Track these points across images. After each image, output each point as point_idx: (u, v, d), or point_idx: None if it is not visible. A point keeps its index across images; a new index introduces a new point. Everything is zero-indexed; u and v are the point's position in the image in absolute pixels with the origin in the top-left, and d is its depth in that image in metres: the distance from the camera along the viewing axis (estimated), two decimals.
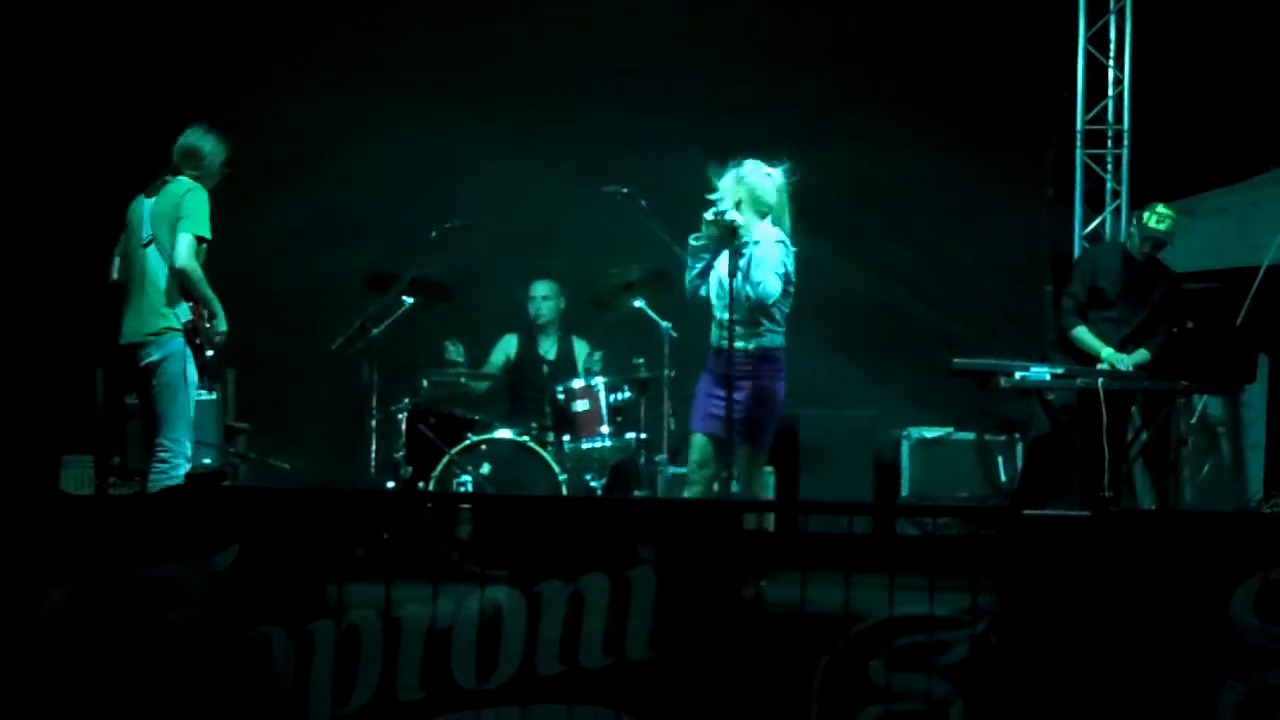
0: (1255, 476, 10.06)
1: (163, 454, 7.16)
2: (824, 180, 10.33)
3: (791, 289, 7.39)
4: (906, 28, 10.55)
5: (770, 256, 7.30)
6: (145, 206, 7.38)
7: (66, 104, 9.83)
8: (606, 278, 8.96)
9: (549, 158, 10.16)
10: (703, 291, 7.50)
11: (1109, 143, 10.64)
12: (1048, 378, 8.56)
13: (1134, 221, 9.14)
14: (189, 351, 7.24)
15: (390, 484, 8.77)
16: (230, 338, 7.53)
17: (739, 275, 7.26)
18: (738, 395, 7.26)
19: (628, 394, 8.76)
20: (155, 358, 7.24)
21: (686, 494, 7.52)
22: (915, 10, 10.57)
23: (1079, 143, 10.63)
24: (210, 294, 7.33)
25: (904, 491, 10.11)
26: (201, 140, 7.43)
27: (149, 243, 7.32)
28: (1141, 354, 8.81)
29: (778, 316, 7.38)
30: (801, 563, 5.37)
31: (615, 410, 8.72)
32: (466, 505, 8.34)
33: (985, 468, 10.11)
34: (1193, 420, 10.04)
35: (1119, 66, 10.58)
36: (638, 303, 8.76)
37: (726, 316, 7.27)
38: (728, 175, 7.45)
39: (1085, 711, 5.16)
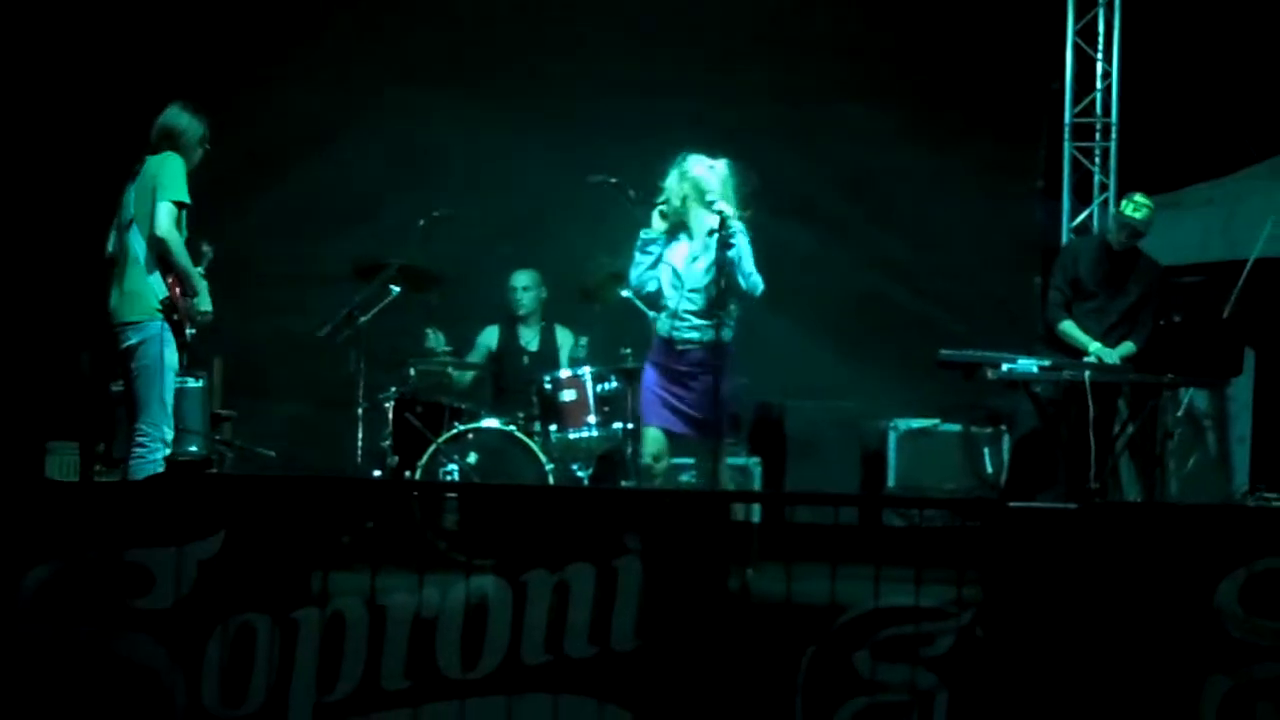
0: (1241, 469, 10.07)
1: (141, 439, 7.14)
2: (812, 171, 10.37)
3: None
4: (896, 19, 10.55)
5: (747, 248, 7.34)
6: (129, 191, 7.36)
7: (54, 90, 9.81)
8: (594, 268, 8.95)
9: (537, 147, 10.15)
10: (651, 286, 7.52)
11: (1097, 135, 10.65)
12: (1034, 370, 8.56)
13: (1113, 211, 9.15)
14: (168, 335, 7.21)
15: (376, 473, 8.76)
16: (216, 325, 7.50)
17: (709, 267, 7.28)
18: (697, 387, 7.31)
19: (615, 384, 8.75)
20: (133, 341, 7.21)
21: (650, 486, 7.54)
22: (905, 1, 10.56)
23: (1067, 135, 10.63)
24: (190, 267, 7.29)
25: (890, 483, 10.11)
26: (177, 117, 7.39)
27: (129, 223, 7.29)
28: (1127, 346, 8.82)
29: (734, 312, 7.40)
30: (787, 554, 5.36)
31: (602, 400, 8.71)
32: (453, 494, 8.33)
33: (971, 459, 10.11)
34: (1179, 413, 10.05)
35: (1107, 59, 10.58)
36: (625, 293, 8.75)
37: (681, 307, 7.30)
38: (670, 171, 7.48)
39: (1070, 703, 5.17)
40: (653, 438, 7.50)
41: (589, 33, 10.31)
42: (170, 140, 7.34)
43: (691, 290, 7.42)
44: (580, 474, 8.80)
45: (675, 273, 7.42)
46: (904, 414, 10.22)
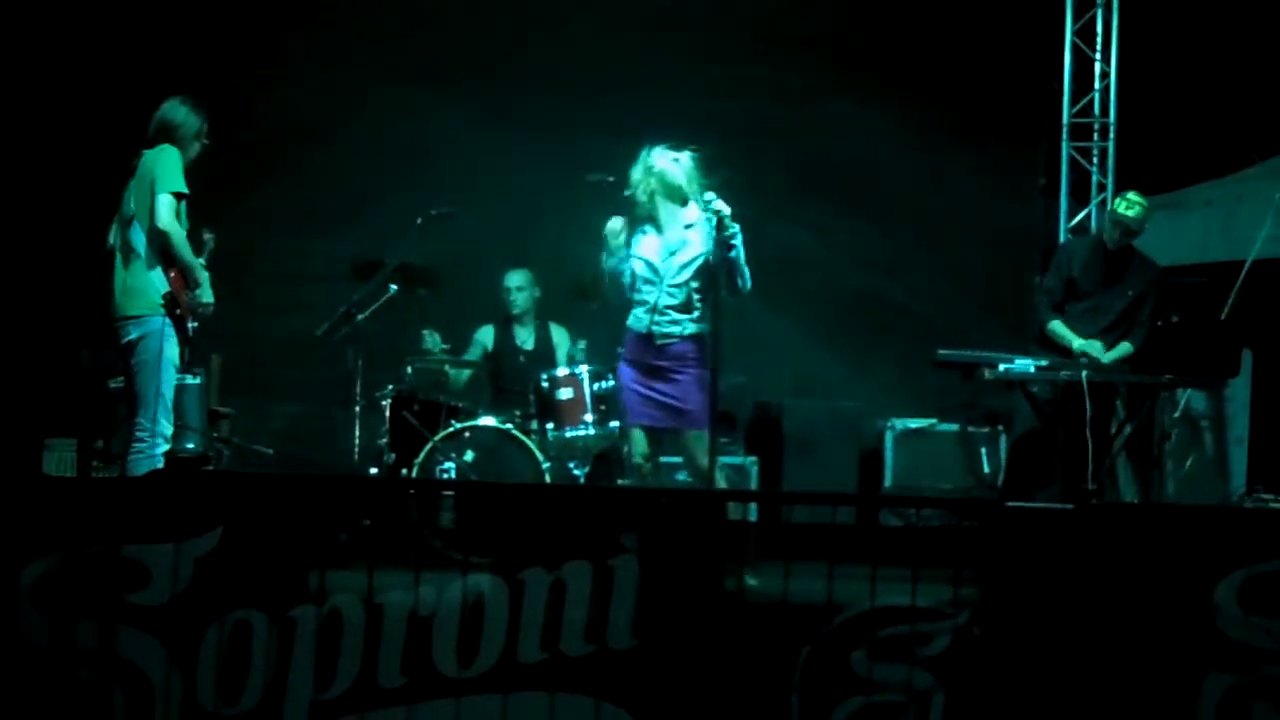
0: (1238, 470, 10.07)
1: (139, 434, 7.13)
2: (811, 170, 10.37)
3: None
4: (895, 18, 10.55)
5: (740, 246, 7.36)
6: (128, 187, 7.35)
7: (52, 87, 9.80)
8: (591, 266, 8.94)
9: (534, 145, 10.14)
10: (625, 279, 7.52)
11: (1095, 136, 10.66)
12: (1032, 370, 8.56)
13: (1107, 210, 9.16)
14: (169, 330, 7.20)
15: (373, 470, 8.76)
16: (214, 322, 7.49)
17: (689, 262, 7.29)
18: (670, 388, 7.31)
19: (612, 383, 8.74)
20: (134, 336, 7.20)
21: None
22: (904, 1, 10.57)
23: (1065, 136, 10.65)
24: (192, 259, 7.27)
25: (887, 482, 10.12)
26: (175, 111, 7.37)
27: (130, 219, 7.28)
28: (1124, 347, 8.81)
29: (709, 304, 7.39)
30: (784, 553, 5.36)
31: (599, 399, 8.71)
32: (449, 492, 8.33)
33: (969, 459, 10.12)
34: (1176, 414, 10.05)
35: (1105, 60, 10.59)
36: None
37: (661, 302, 7.31)
38: (635, 165, 7.47)
39: (1067, 704, 5.17)
40: (637, 438, 7.50)
41: (586, 31, 10.31)
42: (167, 134, 7.32)
43: (672, 285, 7.41)
44: (577, 472, 8.80)
45: (651, 266, 7.41)
46: (901, 413, 10.23)
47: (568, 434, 8.68)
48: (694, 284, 7.37)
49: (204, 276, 7.35)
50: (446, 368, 9.26)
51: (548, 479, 8.48)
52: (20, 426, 9.22)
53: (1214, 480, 10.16)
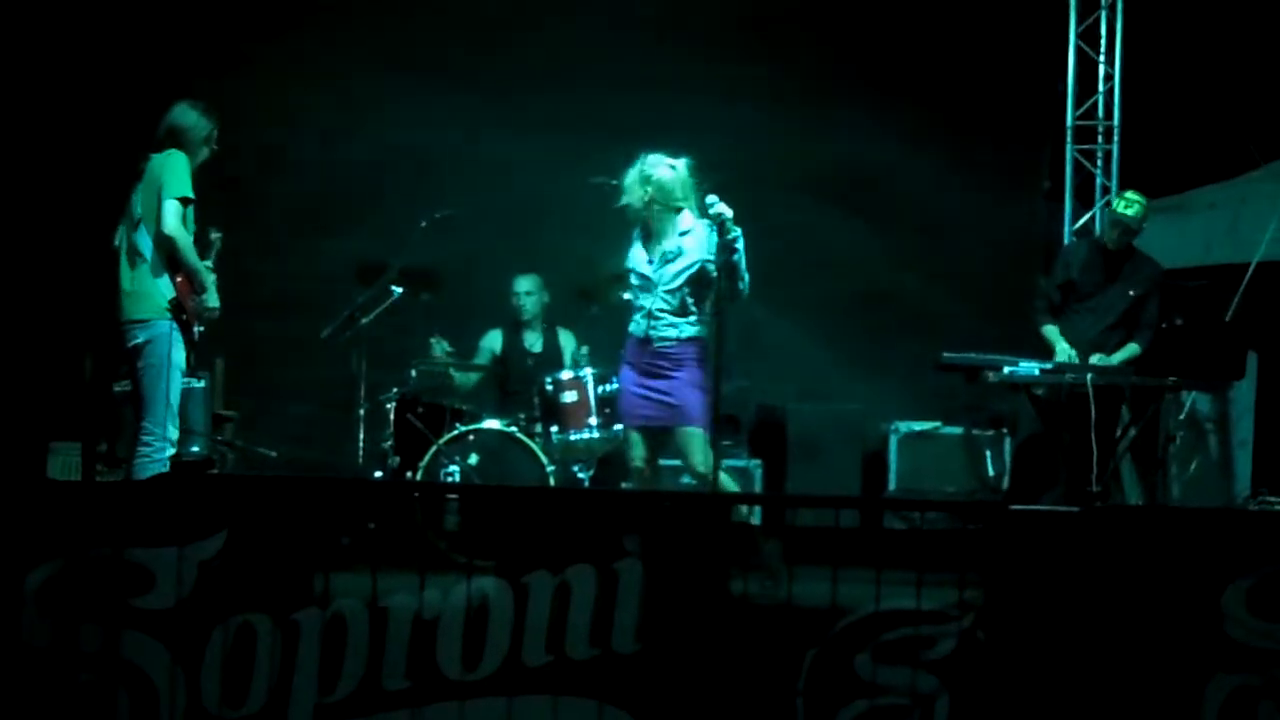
0: (1243, 473, 10.06)
1: (146, 438, 7.13)
2: (815, 173, 10.37)
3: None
4: (899, 20, 10.55)
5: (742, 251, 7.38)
6: (136, 191, 7.35)
7: (55, 90, 9.81)
8: (595, 269, 8.95)
9: (538, 148, 10.14)
10: (631, 279, 7.58)
11: (1099, 138, 10.65)
12: (1036, 373, 8.55)
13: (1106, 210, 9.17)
14: (176, 334, 7.20)
15: (378, 473, 8.76)
16: (218, 325, 7.49)
17: (684, 268, 7.31)
18: (666, 387, 7.33)
19: (616, 386, 8.74)
20: (140, 339, 7.20)
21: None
22: (910, 3, 10.57)
23: (1069, 138, 10.65)
24: (198, 264, 7.28)
25: (891, 485, 10.11)
26: (184, 115, 7.37)
27: (137, 222, 7.28)
28: (1131, 348, 8.80)
29: (705, 306, 7.43)
30: (788, 556, 5.36)
31: (604, 402, 8.71)
32: (454, 495, 8.32)
33: (973, 462, 10.11)
34: (1181, 416, 10.04)
35: (1109, 62, 10.59)
36: (626, 295, 8.74)
37: (655, 307, 7.34)
38: (630, 172, 7.51)
39: (1072, 707, 5.16)
40: (635, 440, 7.53)
41: (591, 33, 10.31)
42: (174, 138, 7.32)
43: (666, 291, 7.45)
44: (581, 475, 8.80)
45: (642, 276, 7.47)
46: (905, 416, 10.22)
47: (572, 437, 8.69)
48: (688, 289, 7.42)
49: (210, 280, 7.35)
50: (451, 371, 9.26)
51: (552, 482, 8.48)
52: (25, 430, 9.23)
53: (1218, 483, 10.15)
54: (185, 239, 7.20)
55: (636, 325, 7.54)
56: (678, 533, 5.42)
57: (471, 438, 8.61)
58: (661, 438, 7.55)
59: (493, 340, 9.61)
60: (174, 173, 7.19)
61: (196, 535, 5.23)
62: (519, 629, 5.24)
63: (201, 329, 7.35)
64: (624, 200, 7.52)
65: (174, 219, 7.16)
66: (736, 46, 10.44)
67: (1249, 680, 5.14)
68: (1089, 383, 8.43)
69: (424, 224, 8.89)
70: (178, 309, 7.20)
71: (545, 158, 10.08)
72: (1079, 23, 10.58)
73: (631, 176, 7.51)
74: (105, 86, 9.74)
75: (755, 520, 7.02)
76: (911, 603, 5.25)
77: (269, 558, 5.27)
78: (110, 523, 5.25)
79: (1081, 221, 10.57)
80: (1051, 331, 8.85)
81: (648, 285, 7.45)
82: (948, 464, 10.11)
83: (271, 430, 9.72)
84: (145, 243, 7.23)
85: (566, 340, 9.58)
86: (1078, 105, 10.64)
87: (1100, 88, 10.62)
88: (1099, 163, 10.64)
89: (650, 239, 7.57)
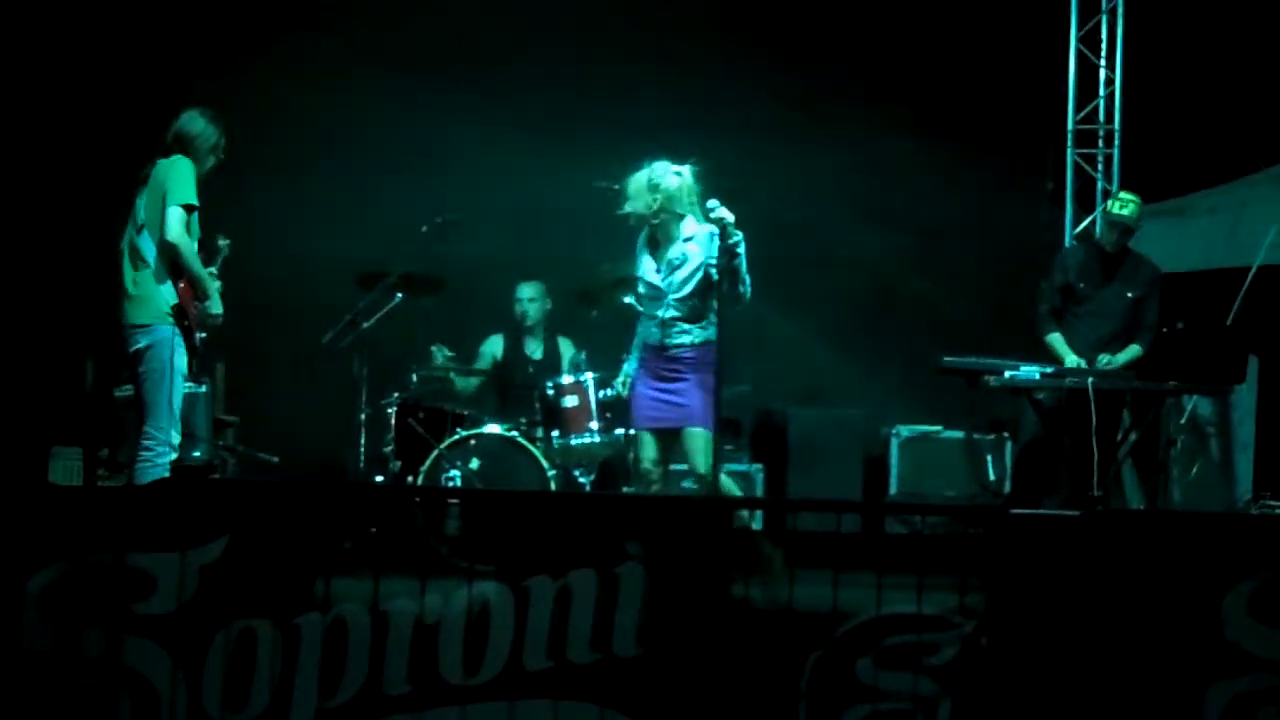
0: (1244, 477, 10.06)
1: (147, 443, 7.14)
2: (815, 177, 10.37)
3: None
4: (899, 24, 10.56)
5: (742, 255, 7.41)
6: (141, 195, 7.35)
7: (57, 95, 9.81)
8: (597, 273, 8.94)
9: (541, 152, 10.14)
10: (640, 289, 7.60)
11: (1100, 142, 10.65)
12: (1037, 377, 8.56)
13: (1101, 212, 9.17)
14: (179, 339, 7.20)
15: (379, 478, 8.76)
16: (219, 330, 7.50)
17: (692, 273, 7.31)
18: (681, 390, 7.35)
19: (617, 390, 8.75)
20: (142, 344, 7.21)
21: (646, 493, 7.56)
22: (910, 6, 10.57)
23: (1070, 142, 10.65)
24: (201, 271, 7.28)
25: (892, 489, 10.11)
26: (193, 122, 7.38)
27: (141, 227, 7.29)
28: (1133, 350, 8.79)
29: (714, 308, 7.46)
30: (789, 560, 5.36)
31: (604, 406, 8.71)
32: (455, 500, 8.31)
33: (974, 466, 10.11)
34: (1182, 420, 10.03)
35: (1110, 66, 10.59)
36: (628, 299, 8.74)
37: (668, 315, 7.36)
38: (637, 178, 7.52)
39: (1073, 712, 5.16)
40: (646, 442, 7.56)
41: (594, 38, 10.32)
42: (182, 144, 7.33)
43: (677, 299, 7.48)
44: (582, 480, 8.81)
45: (652, 287, 7.49)
46: (906, 420, 10.23)
47: (573, 441, 8.69)
48: (698, 294, 7.44)
49: (214, 287, 7.35)
50: (452, 375, 9.26)
51: (553, 486, 8.48)
52: (26, 435, 9.23)
53: (1220, 487, 10.15)
54: (188, 246, 7.20)
55: (651, 334, 7.58)
56: (679, 537, 5.42)
57: (473, 442, 8.61)
58: (672, 440, 7.57)
59: (494, 345, 9.62)
60: (179, 179, 7.20)
61: (198, 540, 5.23)
62: (520, 633, 5.24)
63: (204, 335, 7.35)
64: (629, 208, 7.53)
65: (177, 225, 7.16)
66: (739, 50, 10.44)
67: (1250, 685, 5.13)
68: (1090, 387, 8.42)
69: (425, 229, 8.89)
70: (180, 315, 7.20)
71: (547, 163, 10.08)
72: (1080, 26, 10.59)
73: (638, 183, 7.53)
74: (107, 89, 9.75)
75: (757, 525, 7.02)
76: (913, 607, 5.25)
77: (270, 562, 5.27)
78: (111, 528, 5.25)
79: (1083, 225, 10.57)
80: (1056, 340, 8.84)
81: (658, 295, 7.48)
82: (949, 468, 10.11)
83: (272, 435, 9.71)
84: (149, 248, 7.23)
85: (566, 348, 9.58)
86: (1078, 109, 10.64)
87: (1101, 91, 10.62)
88: (1100, 166, 10.64)
89: (656, 247, 7.60)
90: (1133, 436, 9.02)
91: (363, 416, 8.80)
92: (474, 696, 5.22)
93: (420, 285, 8.94)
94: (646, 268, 7.59)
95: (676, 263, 7.53)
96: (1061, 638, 5.18)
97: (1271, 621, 5.13)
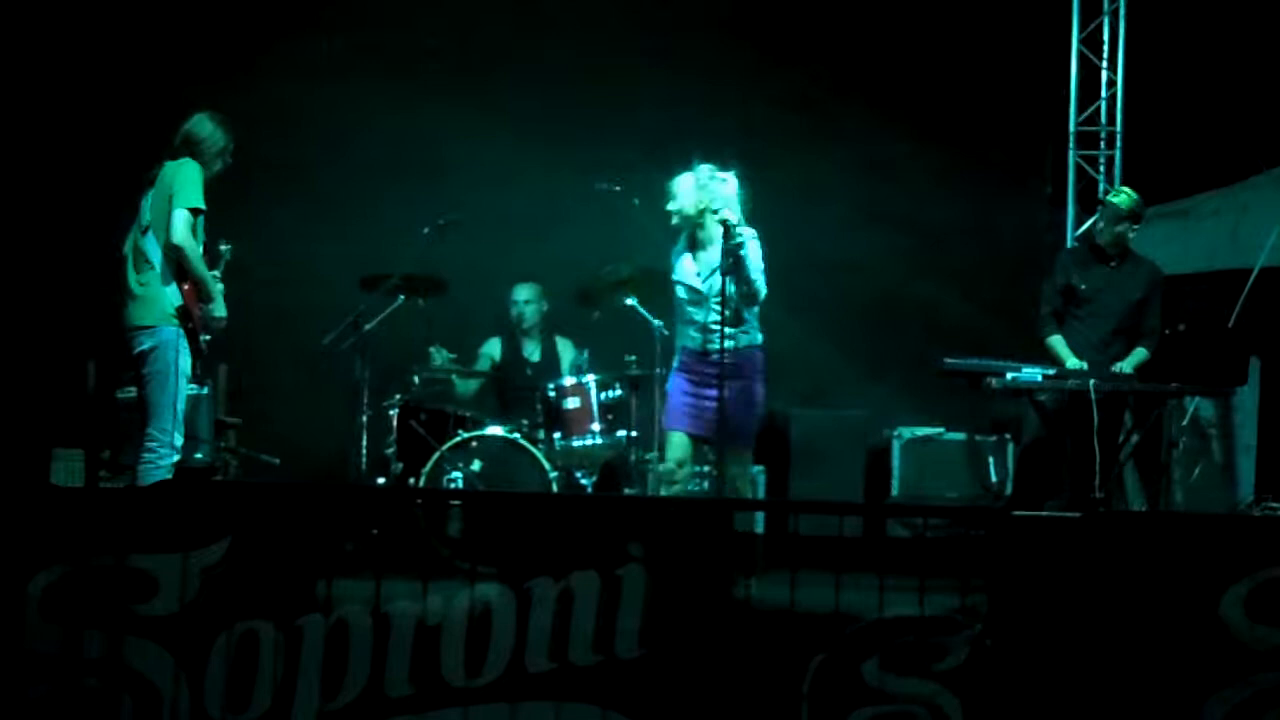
0: (1246, 479, 10.06)
1: (150, 444, 7.13)
2: (816, 178, 10.37)
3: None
4: (901, 25, 10.56)
5: (754, 255, 7.39)
6: (147, 197, 7.35)
7: (60, 97, 9.82)
8: (598, 275, 8.95)
9: (542, 154, 10.15)
10: (680, 292, 7.59)
11: (1102, 144, 10.65)
12: (1039, 379, 8.54)
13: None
14: (183, 341, 7.20)
15: (381, 480, 8.77)
16: (222, 332, 7.50)
17: (720, 274, 7.33)
18: (731, 393, 7.33)
19: (619, 392, 8.76)
20: (146, 346, 7.20)
21: (667, 493, 7.54)
22: (911, 9, 10.57)
23: (1072, 144, 10.65)
24: (205, 273, 7.28)
25: (894, 491, 10.11)
26: (201, 125, 7.38)
27: (146, 229, 7.29)
28: (1139, 353, 8.77)
29: (756, 312, 7.46)
30: (791, 562, 5.36)
31: (606, 408, 8.72)
32: (457, 502, 8.32)
33: (976, 468, 10.11)
34: (1184, 422, 10.03)
35: (1112, 68, 10.59)
36: (629, 300, 8.75)
37: (709, 319, 7.35)
38: (684, 180, 7.52)
39: (1076, 713, 5.16)
40: (676, 443, 7.53)
41: (596, 40, 10.32)
42: (189, 147, 7.32)
43: (717, 302, 7.45)
44: (584, 481, 8.81)
45: (693, 290, 7.47)
46: (908, 422, 10.22)
47: (575, 443, 8.69)
48: (737, 300, 7.42)
49: (218, 290, 7.36)
50: (453, 378, 9.27)
51: (555, 488, 8.48)
52: (28, 436, 9.23)
53: (1222, 489, 10.14)
54: (193, 248, 7.20)
55: (692, 339, 7.55)
56: (680, 538, 5.42)
57: (474, 444, 8.61)
58: (701, 445, 7.55)
59: (492, 347, 9.62)
60: (186, 182, 7.20)
61: (200, 542, 5.23)
62: (522, 635, 5.25)
63: (208, 338, 7.35)
64: (673, 206, 7.49)
65: (183, 227, 7.16)
66: (739, 53, 10.44)
67: (1252, 685, 5.13)
68: (1092, 389, 8.42)
69: (426, 231, 8.90)
70: (184, 317, 7.20)
71: (548, 165, 10.09)
72: (1082, 28, 10.59)
73: (685, 184, 7.52)
74: (109, 92, 9.76)
75: (759, 528, 7.02)
76: (915, 610, 5.25)
77: (272, 564, 5.28)
78: (113, 529, 5.25)
79: (1084, 227, 10.56)
80: (1057, 342, 8.82)
81: (699, 299, 7.45)
82: (951, 470, 10.10)
83: (274, 437, 9.71)
84: (154, 249, 7.23)
85: (565, 349, 9.58)
86: (1080, 110, 10.64)
87: (1103, 93, 10.62)
88: (1101, 168, 10.64)
89: (697, 249, 7.59)
90: (1134, 438, 9.01)
91: (364, 418, 8.80)
92: (476, 698, 5.23)
93: (422, 287, 8.94)
94: (686, 270, 7.54)
95: (716, 266, 7.51)
96: (1064, 639, 5.18)
97: (1272, 621, 5.13)
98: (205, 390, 8.85)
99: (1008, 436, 10.04)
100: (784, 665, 5.24)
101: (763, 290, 7.40)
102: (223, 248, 7.55)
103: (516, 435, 8.65)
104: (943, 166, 10.56)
